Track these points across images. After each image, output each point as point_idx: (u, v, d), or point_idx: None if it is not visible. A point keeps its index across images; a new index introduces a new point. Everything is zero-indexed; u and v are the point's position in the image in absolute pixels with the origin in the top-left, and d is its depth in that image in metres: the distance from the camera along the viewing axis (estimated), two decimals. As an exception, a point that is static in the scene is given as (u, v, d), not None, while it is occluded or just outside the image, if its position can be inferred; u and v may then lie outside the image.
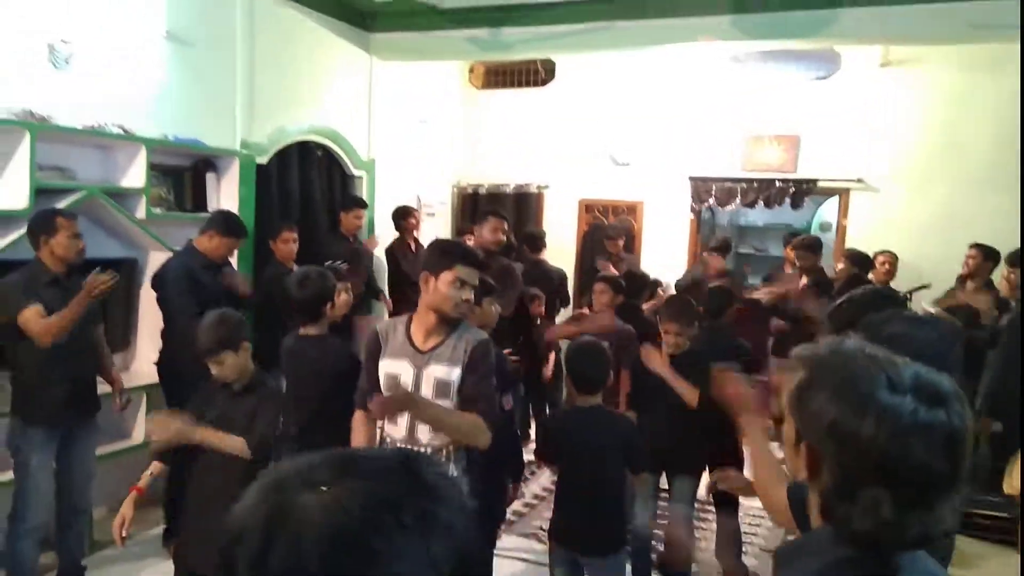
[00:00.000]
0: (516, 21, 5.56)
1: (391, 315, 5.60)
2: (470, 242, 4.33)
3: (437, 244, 2.54)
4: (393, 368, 2.41)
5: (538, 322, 4.95)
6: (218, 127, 4.69)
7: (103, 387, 3.48)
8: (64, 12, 3.74)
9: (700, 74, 6.58)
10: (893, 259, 5.47)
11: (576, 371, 2.80)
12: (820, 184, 6.30)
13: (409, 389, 2.36)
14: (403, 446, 2.38)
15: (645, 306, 4.88)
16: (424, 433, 2.37)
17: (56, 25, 3.70)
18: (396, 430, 2.41)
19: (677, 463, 3.39)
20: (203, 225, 3.97)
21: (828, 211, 8.16)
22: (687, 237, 6.90)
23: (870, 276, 5.29)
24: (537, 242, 5.97)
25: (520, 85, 7.42)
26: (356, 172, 5.98)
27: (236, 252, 4.09)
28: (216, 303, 3.67)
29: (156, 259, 4.20)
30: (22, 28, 3.57)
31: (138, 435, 4.06)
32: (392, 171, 6.35)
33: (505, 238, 4.38)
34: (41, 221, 3.10)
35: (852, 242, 6.28)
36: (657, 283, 5.31)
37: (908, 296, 5.18)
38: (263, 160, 5.00)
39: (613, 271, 5.40)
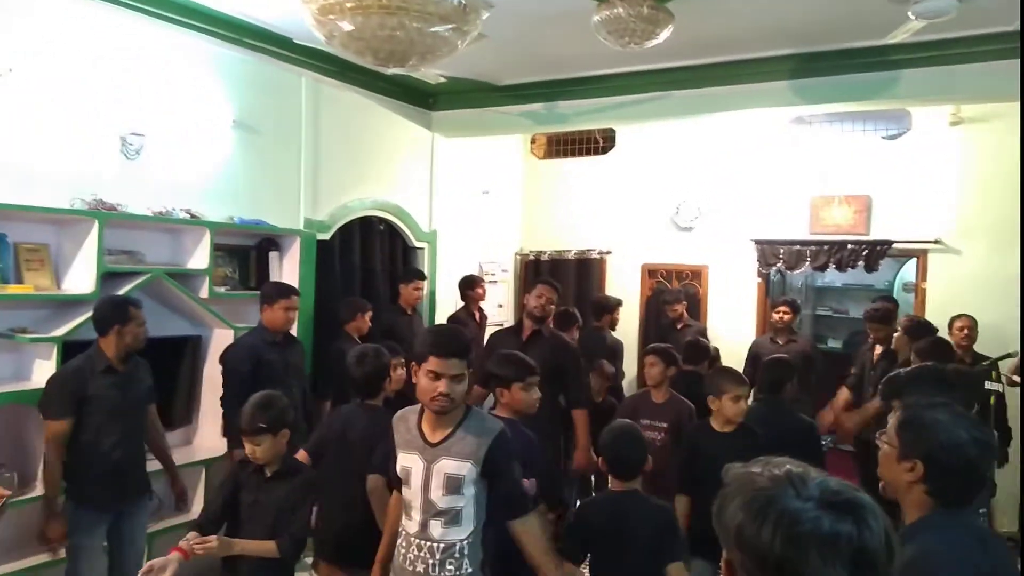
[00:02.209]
0: (572, 94, 5.63)
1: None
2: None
3: (423, 333, 2.47)
4: (406, 461, 2.37)
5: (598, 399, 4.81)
6: (282, 207, 4.88)
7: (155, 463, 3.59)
8: (136, 106, 3.99)
9: (763, 135, 6.48)
10: (972, 323, 5.13)
11: (611, 454, 2.69)
12: (896, 246, 6.03)
13: (419, 485, 2.32)
14: (416, 540, 2.33)
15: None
16: (437, 528, 2.31)
17: (129, 119, 3.95)
18: (410, 524, 2.36)
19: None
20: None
21: (911, 270, 7.80)
22: (755, 301, 6.69)
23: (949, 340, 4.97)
24: (599, 309, 5.89)
25: (581, 153, 7.48)
26: (418, 244, 6.09)
27: (292, 314, 4.14)
28: (281, 380, 3.81)
29: (219, 336, 4.35)
30: (97, 122, 3.82)
31: (196, 510, 4.13)
32: (454, 241, 6.45)
33: (551, 306, 4.27)
34: (115, 310, 3.24)
35: (934, 304, 5.96)
36: (717, 352, 5.12)
37: (994, 364, 4.84)
38: (325, 236, 5.15)
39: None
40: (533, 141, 7.61)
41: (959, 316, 5.12)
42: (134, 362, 3.36)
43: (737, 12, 4.09)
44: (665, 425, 3.97)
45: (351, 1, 2.00)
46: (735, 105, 5.21)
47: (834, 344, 8.76)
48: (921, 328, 4.71)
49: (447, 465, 2.29)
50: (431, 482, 2.30)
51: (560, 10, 3.91)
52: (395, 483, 2.47)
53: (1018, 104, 4.18)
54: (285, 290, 4.10)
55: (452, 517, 2.30)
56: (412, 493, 2.35)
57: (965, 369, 4.14)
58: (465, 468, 2.28)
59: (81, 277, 3.64)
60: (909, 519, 1.67)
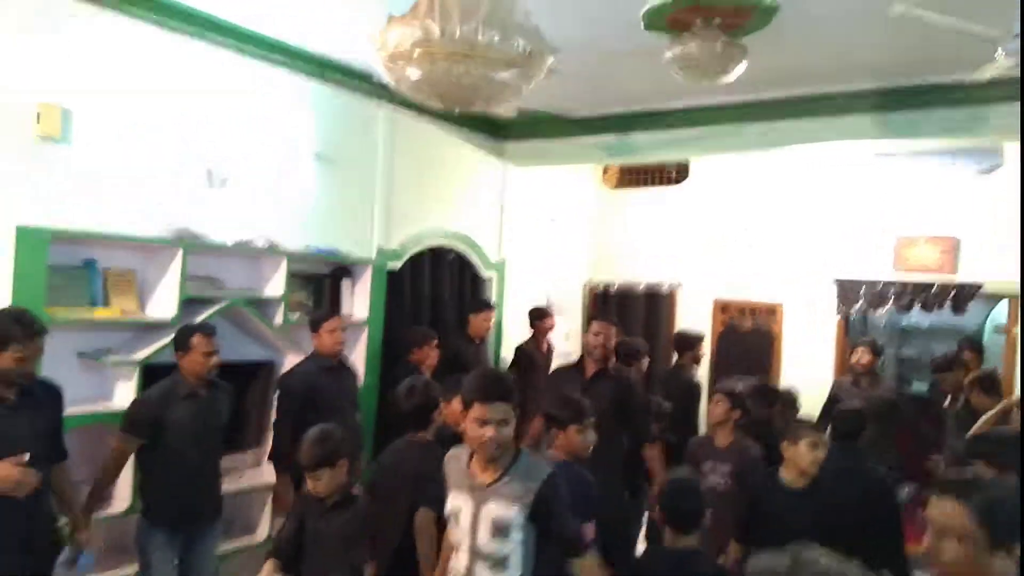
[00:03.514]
0: (644, 126, 5.61)
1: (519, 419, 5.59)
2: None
3: (467, 379, 2.41)
4: (455, 502, 2.37)
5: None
6: (357, 236, 5.00)
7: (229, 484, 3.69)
8: (223, 138, 4.17)
9: (844, 170, 6.29)
10: None
11: (669, 507, 2.61)
12: (986, 287, 5.73)
13: (467, 527, 2.31)
14: None
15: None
16: (483, 572, 2.28)
17: (215, 151, 4.14)
18: (458, 565, 2.35)
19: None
20: None
21: (1003, 311, 7.40)
22: (833, 343, 6.45)
23: None
24: (682, 345, 5.70)
25: (654, 184, 7.42)
26: (487, 273, 6.13)
27: (339, 335, 4.15)
28: (335, 406, 3.88)
29: (292, 361, 4.43)
30: (186, 154, 4.01)
31: (262, 532, 4.23)
32: (523, 271, 6.46)
33: (610, 343, 4.19)
34: (180, 337, 3.37)
35: (1027, 351, 5.63)
36: (790, 395, 4.93)
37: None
38: (396, 265, 5.25)
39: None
40: (605, 171, 7.58)
41: None
42: (216, 387, 3.48)
43: (814, 46, 4.01)
44: (728, 469, 3.84)
45: (419, 49, 2.05)
46: (811, 138, 5.08)
47: (919, 387, 8.35)
48: (984, 380, 4.56)
49: (495, 508, 2.28)
50: (479, 525, 2.29)
51: (634, 45, 3.91)
52: (441, 503, 2.48)
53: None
54: (326, 314, 4.21)
55: (499, 561, 2.27)
56: (461, 534, 2.34)
57: None
58: (513, 511, 2.25)
59: (164, 302, 3.81)
60: None
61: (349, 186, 4.96)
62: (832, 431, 3.63)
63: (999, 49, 3.05)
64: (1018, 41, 2.94)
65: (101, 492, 3.31)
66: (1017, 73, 3.40)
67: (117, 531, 3.64)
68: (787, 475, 3.21)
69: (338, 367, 4.18)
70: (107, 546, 3.65)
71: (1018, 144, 5.38)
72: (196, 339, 3.34)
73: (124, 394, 3.59)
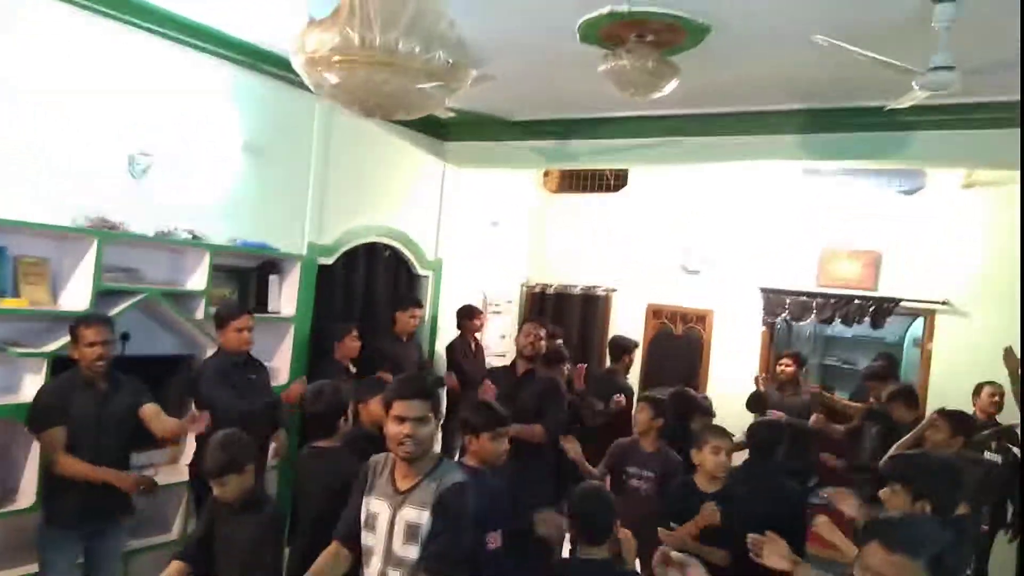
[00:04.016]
0: (584, 134, 5.65)
1: (448, 406, 5.59)
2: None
3: (390, 383, 2.44)
4: (373, 507, 2.37)
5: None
6: (287, 230, 4.90)
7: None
8: (145, 125, 4.03)
9: (775, 184, 6.45)
10: (1001, 391, 5.02)
11: (579, 518, 2.64)
12: (903, 304, 5.95)
13: (384, 531, 2.31)
14: None
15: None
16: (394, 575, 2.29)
17: (137, 138, 4.00)
18: (369, 572, 2.34)
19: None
20: None
21: (920, 327, 7.70)
22: (758, 349, 6.62)
23: (974, 408, 4.90)
24: (618, 350, 5.82)
25: (593, 189, 7.50)
26: (423, 272, 6.10)
27: (247, 334, 3.95)
28: (250, 401, 3.81)
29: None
30: (105, 140, 3.87)
31: (176, 530, 4.14)
32: (460, 270, 6.45)
33: (540, 342, 4.26)
34: (71, 329, 3.27)
35: (940, 366, 5.89)
36: (705, 402, 5.05)
37: (996, 433, 4.77)
38: (328, 261, 5.17)
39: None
40: (545, 174, 7.63)
41: (988, 383, 5.02)
42: (116, 379, 3.37)
43: (745, 66, 4.09)
44: (652, 475, 3.92)
45: (338, 55, 2.02)
46: (743, 156, 5.21)
47: (841, 395, 8.63)
48: (907, 395, 4.75)
49: (409, 513, 2.29)
50: (395, 530, 2.30)
51: (572, 52, 3.92)
52: (345, 530, 2.43)
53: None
54: (235, 311, 3.98)
55: (410, 567, 2.28)
56: (376, 539, 2.34)
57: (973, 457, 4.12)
58: (424, 516, 2.27)
59: (77, 293, 3.68)
60: None
61: (281, 179, 4.87)
62: (748, 444, 3.72)
63: (913, 82, 3.16)
64: (932, 75, 3.06)
65: (83, 468, 3.18)
66: (937, 100, 3.55)
67: (19, 528, 3.51)
68: (699, 480, 3.30)
69: (245, 363, 4.02)
70: (9, 544, 3.53)
71: (938, 170, 5.61)
72: (82, 330, 3.23)
73: (33, 387, 3.44)
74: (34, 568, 3.30)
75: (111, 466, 3.31)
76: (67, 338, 3.43)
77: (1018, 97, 3.90)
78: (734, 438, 3.58)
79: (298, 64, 2.19)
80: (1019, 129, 3.79)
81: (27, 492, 3.47)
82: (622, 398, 5.18)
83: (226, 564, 2.64)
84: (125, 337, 3.79)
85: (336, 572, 2.42)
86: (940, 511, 2.24)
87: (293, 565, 3.10)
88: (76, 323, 3.28)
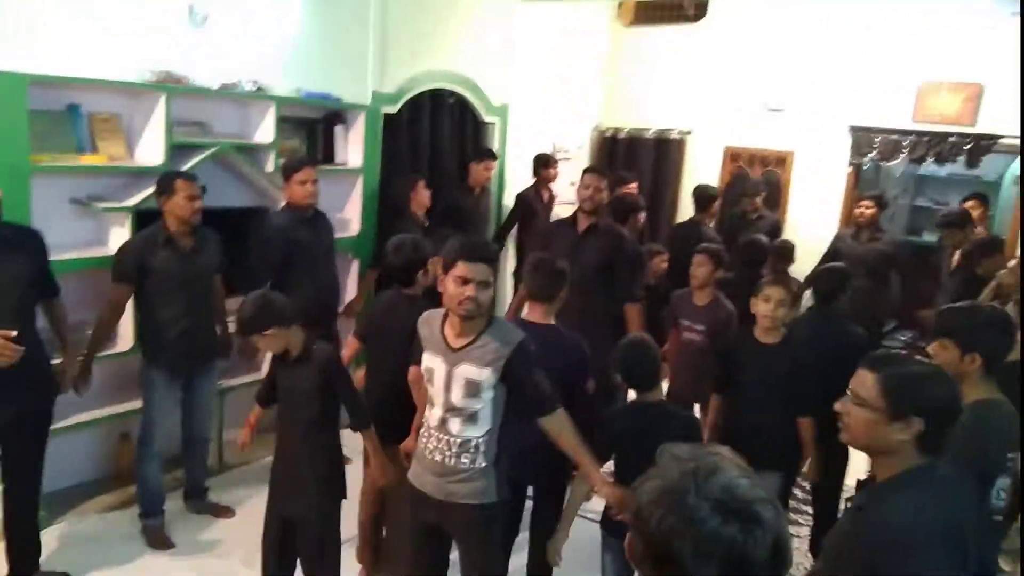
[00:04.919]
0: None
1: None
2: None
3: (450, 242, 2.44)
4: (429, 362, 2.45)
5: (655, 282, 4.63)
6: (351, 79, 4.81)
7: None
8: (201, -27, 3.95)
9: (869, 12, 5.89)
10: None
11: (623, 369, 2.69)
12: (1003, 141, 5.51)
13: (441, 386, 2.41)
14: (436, 433, 2.45)
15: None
16: (455, 425, 2.41)
17: (194, -14, 3.93)
18: (432, 417, 2.48)
19: (766, 458, 3.21)
20: None
21: (1023, 164, 7.17)
22: (842, 193, 6.32)
23: None
24: (703, 200, 5.57)
25: (670, 22, 7.01)
26: (489, 119, 5.96)
27: (311, 187, 3.95)
28: (313, 258, 3.94)
29: (287, 208, 4.47)
30: (164, -8, 3.82)
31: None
32: (528, 116, 6.27)
33: (600, 195, 4.00)
34: (162, 182, 3.38)
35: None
36: (784, 248, 4.88)
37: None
38: (393, 109, 5.10)
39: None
40: (620, 5, 7.16)
41: None
42: (200, 235, 3.52)
43: None
44: (703, 328, 3.91)
45: None
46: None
47: (930, 238, 8.27)
48: (986, 247, 4.44)
49: (467, 371, 2.37)
50: (452, 384, 2.39)
51: None
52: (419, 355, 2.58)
53: None
54: (298, 163, 3.96)
55: (470, 416, 2.40)
56: (435, 391, 2.45)
57: None
58: (484, 374, 2.35)
59: (151, 148, 3.79)
60: (888, 473, 1.67)
61: (341, 24, 4.73)
62: (812, 292, 3.64)
63: None
64: None
65: (99, 338, 3.45)
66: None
67: (122, 369, 3.85)
68: (758, 331, 3.27)
69: (313, 218, 4.06)
70: (113, 383, 3.88)
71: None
72: (179, 183, 3.35)
73: (118, 240, 3.63)
74: (139, 404, 3.63)
75: (204, 316, 3.54)
76: (147, 192, 3.57)
77: None
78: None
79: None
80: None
81: (125, 337, 3.77)
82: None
83: (287, 410, 2.84)
84: (203, 190, 3.90)
85: None
86: (990, 362, 2.17)
87: (371, 404, 3.32)
88: (172, 176, 3.38)
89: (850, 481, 3.57)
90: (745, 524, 0.94)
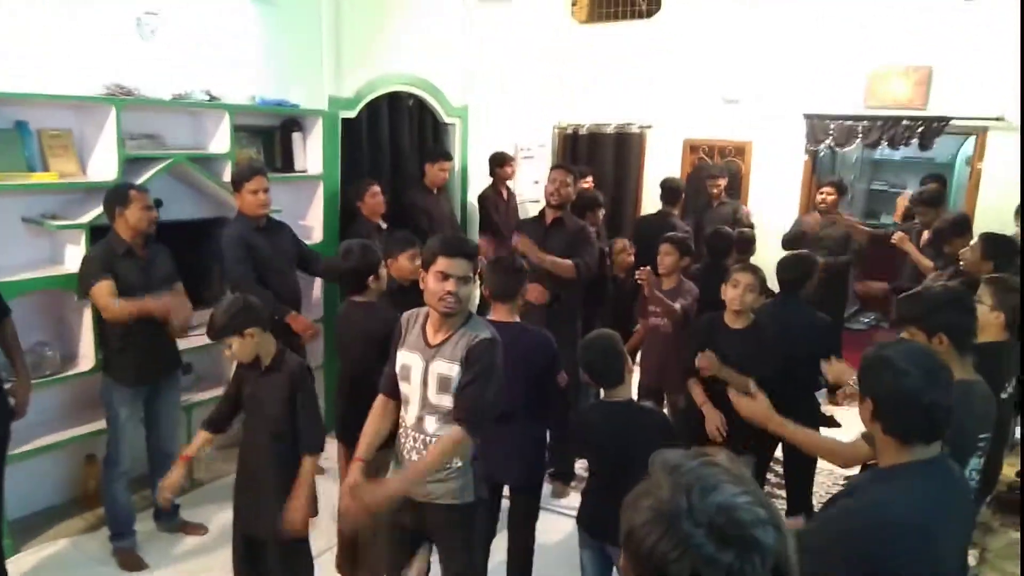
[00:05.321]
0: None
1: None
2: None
3: (431, 239, 2.45)
4: (406, 360, 2.44)
5: (623, 275, 4.69)
6: (306, 85, 4.76)
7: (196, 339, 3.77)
8: (148, -17, 3.88)
9: (818, 2, 5.99)
10: None
11: (589, 368, 2.69)
12: (954, 123, 5.64)
13: (418, 382, 2.40)
14: (413, 433, 2.44)
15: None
16: (431, 424, 2.41)
17: (141, -2, 3.86)
18: (408, 417, 2.47)
19: (740, 440, 3.25)
20: None
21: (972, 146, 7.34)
22: (800, 179, 6.42)
23: (1017, 229, 4.70)
24: (671, 193, 5.62)
25: (624, 17, 7.07)
26: (449, 120, 5.94)
27: (263, 196, 3.85)
28: (274, 266, 3.89)
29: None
30: (110, 4, 3.75)
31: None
32: (488, 116, 6.26)
33: (566, 189, 4.10)
34: (115, 194, 3.31)
35: (989, 187, 5.66)
36: (744, 237, 4.94)
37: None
38: (351, 114, 5.06)
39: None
40: (574, 3, 7.20)
41: None
42: (154, 247, 3.46)
43: None
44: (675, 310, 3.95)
45: None
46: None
47: (887, 220, 8.45)
48: (957, 226, 4.54)
49: (441, 366, 2.37)
50: (428, 381, 2.39)
51: None
52: (388, 385, 2.53)
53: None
54: (247, 173, 3.84)
55: (445, 414, 2.39)
56: (411, 389, 2.44)
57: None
58: (455, 370, 2.35)
59: (104, 163, 3.71)
60: (882, 462, 1.68)
61: (293, 29, 4.67)
62: (778, 279, 3.68)
63: None
64: None
65: (140, 307, 3.30)
66: None
67: (84, 389, 3.76)
68: (727, 316, 3.32)
69: (268, 227, 3.97)
70: (76, 404, 3.80)
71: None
72: (133, 193, 3.30)
73: (74, 257, 3.57)
74: (102, 424, 3.56)
75: (160, 328, 3.44)
76: (100, 208, 3.49)
77: None
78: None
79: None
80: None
81: (87, 355, 3.69)
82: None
83: (252, 421, 2.77)
84: (158, 203, 3.83)
85: (387, 422, 2.56)
86: (957, 340, 2.20)
87: (338, 412, 3.29)
88: (123, 189, 3.32)
89: (824, 465, 3.61)
90: (742, 550, 0.89)
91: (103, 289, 3.25)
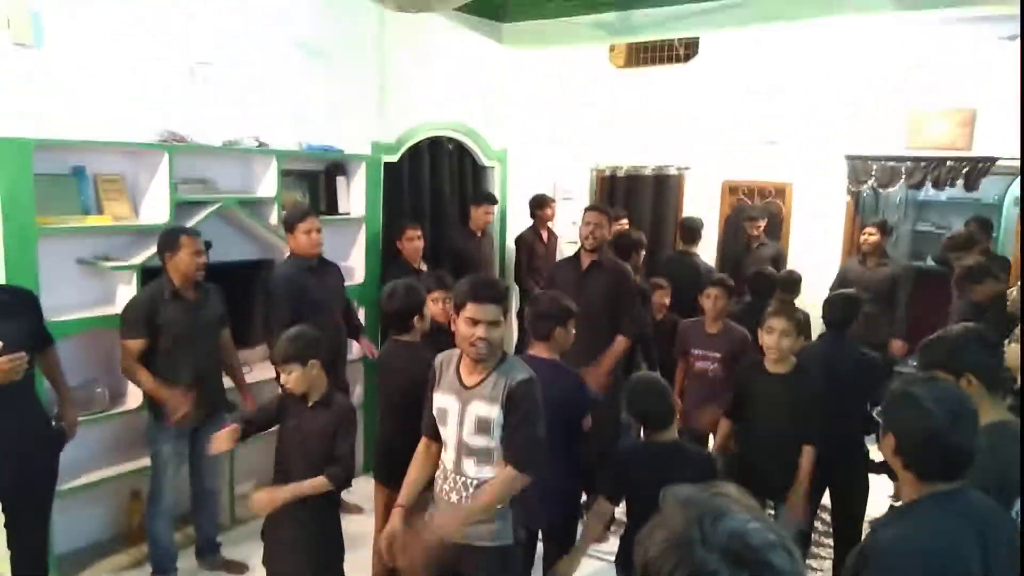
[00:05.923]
0: (646, 3, 5.33)
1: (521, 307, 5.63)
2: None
3: (460, 282, 2.47)
4: (442, 403, 2.45)
5: (658, 317, 4.69)
6: (351, 130, 4.91)
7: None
8: (204, 34, 4.06)
9: (857, 44, 5.98)
10: None
11: (635, 411, 2.67)
12: (1000, 163, 5.54)
13: (454, 424, 2.40)
14: (452, 475, 2.43)
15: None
16: (470, 466, 2.40)
17: (196, 47, 4.04)
18: (447, 459, 2.47)
19: (781, 489, 3.17)
20: None
21: (1024, 184, 7.19)
22: (842, 221, 6.34)
23: None
24: (690, 232, 5.68)
25: (662, 62, 7.13)
26: (488, 163, 6.04)
27: (316, 236, 4.03)
28: (323, 306, 3.95)
29: (291, 259, 4.50)
30: (165, 54, 3.92)
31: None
32: (527, 159, 6.34)
33: (601, 231, 4.07)
34: (166, 239, 3.42)
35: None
36: (790, 279, 4.87)
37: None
38: (393, 159, 5.17)
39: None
40: (612, 49, 7.29)
41: None
42: (204, 288, 3.55)
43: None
44: (719, 355, 3.91)
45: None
46: (823, 11, 4.82)
47: (932, 263, 8.27)
48: (973, 274, 4.36)
49: (479, 408, 2.37)
50: (465, 423, 2.39)
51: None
52: (430, 428, 2.54)
53: None
54: (301, 214, 4.03)
55: (484, 456, 2.39)
56: (448, 432, 2.44)
57: None
58: (494, 412, 2.35)
59: (156, 206, 3.84)
60: (905, 498, 1.65)
61: (341, 79, 4.84)
62: (823, 319, 3.63)
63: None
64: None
65: (146, 379, 3.41)
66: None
67: (131, 426, 3.83)
68: (767, 361, 3.26)
69: (319, 266, 4.12)
70: (122, 441, 3.87)
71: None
72: (184, 239, 3.39)
73: (125, 298, 3.66)
74: (148, 461, 3.62)
75: (212, 368, 3.55)
76: (152, 250, 3.60)
77: None
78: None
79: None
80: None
81: (135, 393, 3.76)
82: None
83: (292, 455, 2.80)
84: (208, 246, 3.94)
85: (429, 467, 2.56)
86: (985, 379, 2.13)
87: (377, 452, 3.30)
88: (176, 233, 3.43)
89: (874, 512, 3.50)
90: (756, 573, 0.90)
91: (131, 347, 3.37)
